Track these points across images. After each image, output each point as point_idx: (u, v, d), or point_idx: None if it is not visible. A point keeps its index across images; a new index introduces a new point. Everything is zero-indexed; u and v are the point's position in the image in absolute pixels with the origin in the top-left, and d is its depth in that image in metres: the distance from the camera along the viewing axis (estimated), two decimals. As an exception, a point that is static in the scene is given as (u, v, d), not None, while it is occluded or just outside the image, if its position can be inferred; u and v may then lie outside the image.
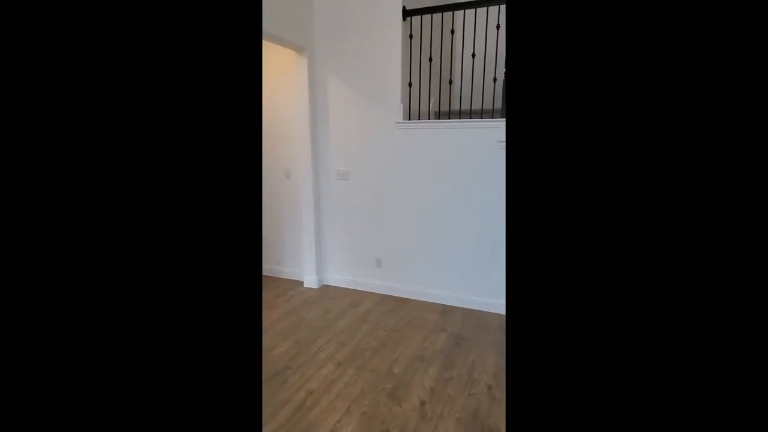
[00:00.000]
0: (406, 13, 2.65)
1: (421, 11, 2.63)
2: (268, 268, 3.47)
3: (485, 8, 2.48)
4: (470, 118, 2.75)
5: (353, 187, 3.02)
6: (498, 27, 2.45)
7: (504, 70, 2.63)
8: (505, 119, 2.38)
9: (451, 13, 2.63)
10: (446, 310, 2.76)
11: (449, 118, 2.72)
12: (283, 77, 3.07)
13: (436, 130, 2.68)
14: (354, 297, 3.00)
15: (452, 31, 2.68)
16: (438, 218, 2.78)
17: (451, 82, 2.77)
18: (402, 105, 2.74)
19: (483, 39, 2.65)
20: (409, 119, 2.83)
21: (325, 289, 3.16)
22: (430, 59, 2.74)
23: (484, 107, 3.06)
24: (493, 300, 2.72)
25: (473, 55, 2.55)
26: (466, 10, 2.52)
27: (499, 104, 3.13)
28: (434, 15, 2.72)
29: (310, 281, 3.20)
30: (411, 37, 2.70)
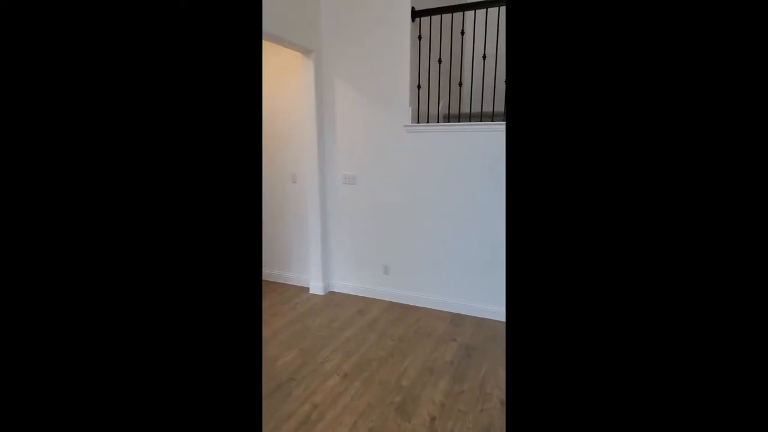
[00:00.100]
0: (415, 14, 2.59)
1: (431, 12, 2.57)
2: (274, 273, 3.42)
3: (496, 8, 2.41)
4: (481, 121, 2.68)
5: (360, 191, 2.95)
6: (510, 27, 2.37)
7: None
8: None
9: (461, 13, 2.56)
10: (456, 319, 2.68)
11: (459, 121, 2.65)
12: (289, 80, 3.02)
13: (446, 134, 2.60)
14: (361, 304, 2.93)
15: (462, 32, 2.61)
16: (448, 224, 2.70)
17: (461, 84, 2.70)
18: (410, 108, 2.67)
19: (494, 40, 2.57)
20: (418, 122, 2.76)
21: (331, 296, 3.09)
22: (440, 61, 2.67)
23: (495, 110, 2.99)
24: (505, 309, 2.63)
25: (484, 57, 2.48)
26: (477, 11, 2.45)
27: (510, 107, 3.04)
28: (444, 16, 2.65)
29: (316, 287, 3.14)
30: (420, 38, 2.64)
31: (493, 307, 2.67)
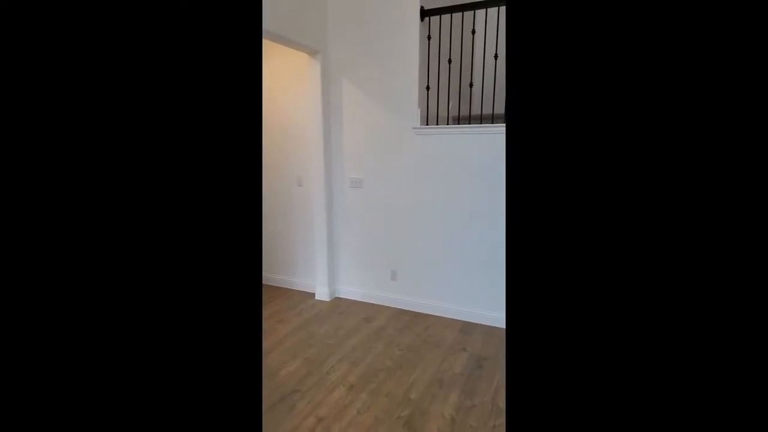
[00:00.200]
0: (424, 13, 2.52)
1: (440, 11, 2.49)
2: (279, 278, 3.35)
3: (509, 6, 2.33)
4: (492, 123, 2.59)
5: (367, 195, 2.88)
6: (523, 26, 2.29)
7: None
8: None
9: (472, 12, 2.48)
10: (466, 327, 2.59)
11: (469, 123, 2.56)
12: (295, 81, 2.96)
13: (456, 136, 2.52)
14: (367, 311, 2.85)
15: (473, 32, 2.53)
16: (457, 229, 2.61)
17: (471, 85, 2.61)
18: (419, 109, 2.60)
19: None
20: (427, 124, 2.69)
21: (337, 302, 3.02)
22: (450, 61, 2.59)
23: (506, 112, 2.90)
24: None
25: (496, 57, 2.40)
26: (489, 9, 2.38)
27: (521, 108, 2.95)
28: (454, 15, 2.58)
29: (322, 293, 3.07)
30: (429, 38, 2.56)
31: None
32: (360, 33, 2.68)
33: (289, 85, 3.00)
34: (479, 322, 2.65)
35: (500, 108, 3.00)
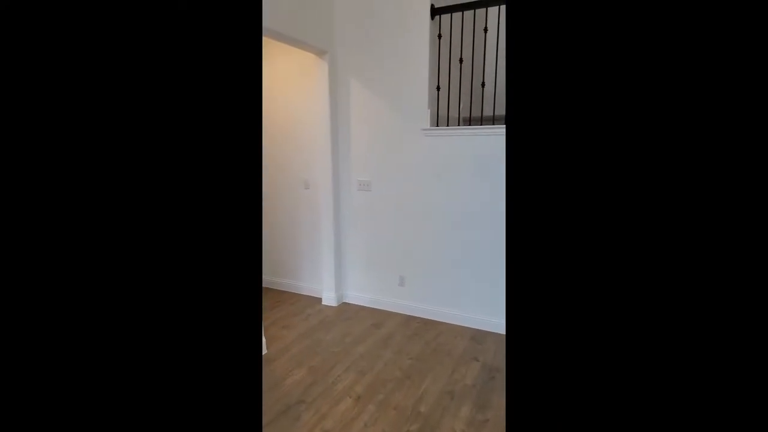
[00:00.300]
0: (435, 12, 2.45)
1: (451, 9, 2.42)
2: (285, 283, 3.30)
3: (523, 3, 2.24)
4: (504, 124, 2.51)
5: (375, 198, 2.81)
6: (537, 23, 2.20)
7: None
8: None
9: (484, 9, 2.40)
10: (477, 336, 2.50)
11: (481, 124, 2.48)
12: (301, 82, 2.91)
13: (467, 138, 2.44)
14: (375, 317, 2.78)
15: (485, 30, 2.45)
16: (468, 234, 2.53)
17: (483, 85, 2.53)
18: (429, 110, 2.52)
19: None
20: (437, 125, 2.61)
21: (345, 308, 2.95)
22: (461, 60, 2.52)
23: (518, 112, 2.81)
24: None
25: (509, 55, 2.32)
26: (501, 6, 2.30)
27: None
28: (465, 12, 2.50)
29: (329, 298, 3.00)
30: (440, 36, 2.49)
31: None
32: (368, 32, 2.62)
33: (295, 86, 2.95)
34: (491, 330, 2.55)
35: (513, 109, 2.91)
